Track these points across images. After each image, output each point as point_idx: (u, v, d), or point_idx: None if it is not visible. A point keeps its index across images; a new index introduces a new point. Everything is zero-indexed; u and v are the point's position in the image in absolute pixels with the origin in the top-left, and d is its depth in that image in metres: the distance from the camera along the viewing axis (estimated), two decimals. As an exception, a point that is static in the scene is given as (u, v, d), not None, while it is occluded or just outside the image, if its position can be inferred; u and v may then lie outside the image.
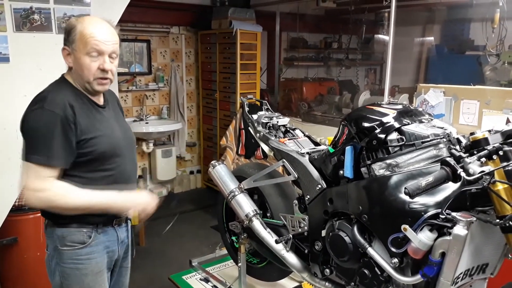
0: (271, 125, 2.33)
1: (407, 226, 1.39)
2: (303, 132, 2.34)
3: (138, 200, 1.65)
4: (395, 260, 1.50)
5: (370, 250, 1.58)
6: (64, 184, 1.52)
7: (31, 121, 1.50)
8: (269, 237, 2.10)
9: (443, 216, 1.35)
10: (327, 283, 1.95)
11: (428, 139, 1.55)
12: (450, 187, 1.40)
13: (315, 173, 1.90)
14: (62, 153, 1.49)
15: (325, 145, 2.16)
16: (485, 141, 1.33)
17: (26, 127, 1.51)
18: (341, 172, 1.72)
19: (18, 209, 2.68)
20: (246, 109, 2.47)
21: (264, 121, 2.34)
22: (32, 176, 1.49)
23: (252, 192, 2.31)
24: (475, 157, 1.29)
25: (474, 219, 1.32)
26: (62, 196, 1.50)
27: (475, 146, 1.35)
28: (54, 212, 1.55)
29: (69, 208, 1.52)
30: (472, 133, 1.38)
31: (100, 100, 1.67)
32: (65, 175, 1.54)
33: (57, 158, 1.49)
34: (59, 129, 1.48)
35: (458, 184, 1.36)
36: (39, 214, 1.72)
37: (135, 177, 1.79)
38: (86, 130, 1.54)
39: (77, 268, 1.60)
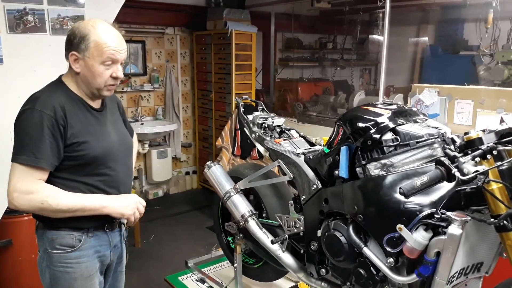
0: (266, 126, 2.34)
1: (402, 226, 1.40)
2: (298, 133, 2.34)
3: (128, 203, 1.62)
4: (391, 259, 1.51)
5: (366, 250, 1.59)
6: (53, 186, 1.50)
7: (21, 121, 1.49)
8: (265, 237, 2.10)
9: (438, 216, 1.35)
10: (323, 283, 1.96)
11: (423, 139, 1.55)
12: (445, 187, 1.40)
13: (310, 173, 1.90)
14: (49, 155, 1.47)
15: (321, 145, 2.16)
16: (479, 140, 1.34)
17: (16, 127, 1.50)
18: (336, 172, 1.72)
19: (12, 211, 2.66)
20: (242, 109, 2.47)
21: (259, 121, 2.34)
22: (21, 177, 1.46)
23: (248, 193, 2.31)
24: (469, 157, 1.30)
25: (469, 218, 1.33)
26: (53, 198, 1.48)
27: (469, 145, 1.36)
28: (44, 215, 1.52)
29: (60, 210, 1.49)
30: (466, 133, 1.39)
31: (97, 104, 1.65)
32: (59, 178, 1.52)
33: (45, 159, 1.46)
34: (48, 130, 1.46)
35: (453, 183, 1.37)
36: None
37: (130, 183, 1.77)
38: (79, 133, 1.52)
39: (66, 271, 1.58)
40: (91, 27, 1.52)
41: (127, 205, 1.61)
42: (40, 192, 1.47)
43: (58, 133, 1.48)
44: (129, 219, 1.64)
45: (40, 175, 1.48)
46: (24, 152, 1.46)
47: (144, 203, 1.70)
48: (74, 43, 1.52)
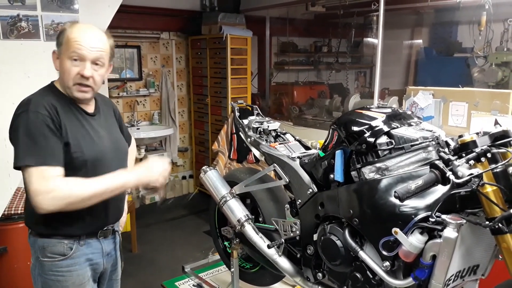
0: (261, 130, 2.33)
1: (397, 229, 1.40)
2: (293, 136, 2.34)
3: (153, 168, 1.56)
4: (387, 263, 1.50)
5: (362, 254, 1.58)
6: (70, 178, 1.45)
7: (18, 125, 1.46)
8: (261, 242, 2.09)
9: (433, 219, 1.35)
10: (319, 287, 1.95)
11: (417, 142, 1.55)
12: (440, 190, 1.40)
13: (306, 177, 1.90)
14: (56, 151, 1.44)
15: (317, 148, 2.16)
16: (473, 143, 1.34)
17: (14, 132, 1.47)
18: (332, 176, 1.72)
19: (7, 218, 2.65)
20: (237, 114, 2.47)
21: (254, 126, 2.33)
22: (37, 179, 1.40)
23: (244, 197, 2.30)
24: (463, 160, 1.30)
25: (464, 221, 1.33)
26: (76, 187, 1.42)
27: (463, 148, 1.36)
28: (37, 222, 1.50)
29: (87, 197, 1.43)
30: (460, 136, 1.39)
31: (90, 108, 1.64)
32: None
33: (52, 156, 1.43)
34: (47, 129, 1.44)
35: (448, 187, 1.36)
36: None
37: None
38: (70, 134, 1.50)
39: (57, 280, 1.56)
40: (70, 25, 1.53)
41: (151, 174, 1.55)
42: (60, 188, 1.41)
43: (56, 130, 1.46)
44: (156, 186, 1.57)
45: (55, 172, 1.43)
46: (31, 153, 1.42)
47: (169, 164, 1.63)
48: (57, 41, 1.54)
